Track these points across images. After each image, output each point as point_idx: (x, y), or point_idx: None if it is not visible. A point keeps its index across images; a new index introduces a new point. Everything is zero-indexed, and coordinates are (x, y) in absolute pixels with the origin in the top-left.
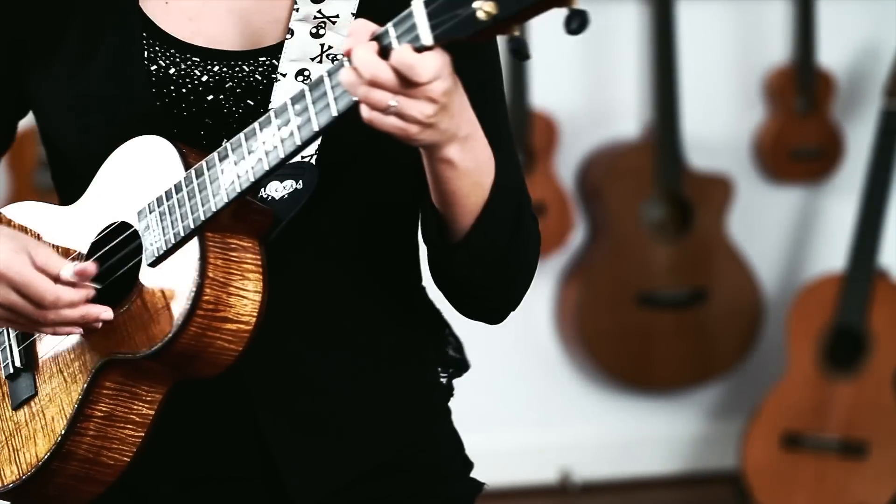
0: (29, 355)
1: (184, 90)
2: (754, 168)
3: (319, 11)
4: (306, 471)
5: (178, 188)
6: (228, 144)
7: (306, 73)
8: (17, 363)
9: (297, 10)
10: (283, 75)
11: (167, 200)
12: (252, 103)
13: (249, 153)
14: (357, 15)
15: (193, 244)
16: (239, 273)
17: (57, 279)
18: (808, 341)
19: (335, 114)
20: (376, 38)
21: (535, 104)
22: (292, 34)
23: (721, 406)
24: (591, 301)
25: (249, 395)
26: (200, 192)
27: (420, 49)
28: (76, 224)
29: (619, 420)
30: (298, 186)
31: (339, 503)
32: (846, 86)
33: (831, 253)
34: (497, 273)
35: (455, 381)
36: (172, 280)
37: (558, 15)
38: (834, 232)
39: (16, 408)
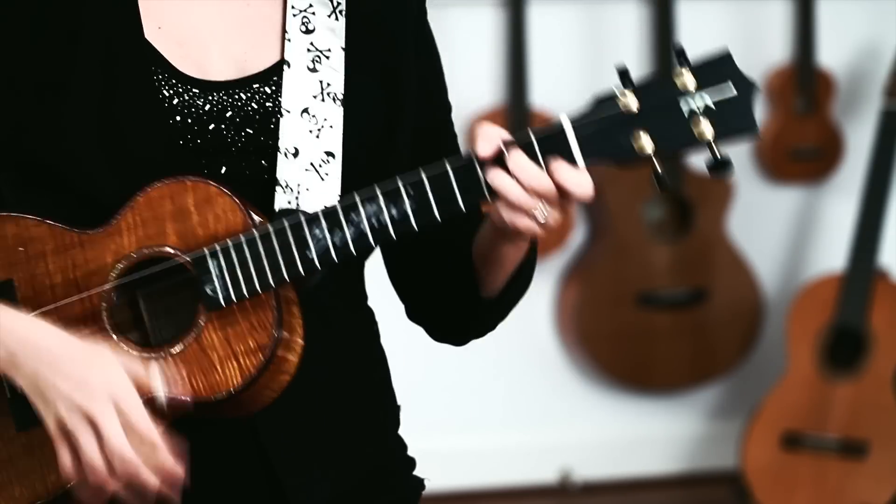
0: None
1: (189, 120)
2: (754, 168)
3: (312, 44)
4: (307, 481)
5: (252, 244)
6: (321, 212)
7: (310, 111)
8: None
9: (290, 40)
10: (288, 111)
11: (238, 253)
12: (252, 132)
13: (348, 224)
14: (346, 50)
15: (265, 297)
16: (294, 327)
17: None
18: (808, 341)
19: (462, 207)
20: (517, 145)
21: (535, 104)
22: (289, 66)
23: (721, 406)
24: (591, 301)
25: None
26: (283, 252)
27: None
28: (92, 254)
29: (619, 420)
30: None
31: None
32: (846, 86)
33: (831, 253)
34: (506, 315)
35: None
36: (239, 330)
37: (557, 14)
38: (834, 232)
39: (22, 429)
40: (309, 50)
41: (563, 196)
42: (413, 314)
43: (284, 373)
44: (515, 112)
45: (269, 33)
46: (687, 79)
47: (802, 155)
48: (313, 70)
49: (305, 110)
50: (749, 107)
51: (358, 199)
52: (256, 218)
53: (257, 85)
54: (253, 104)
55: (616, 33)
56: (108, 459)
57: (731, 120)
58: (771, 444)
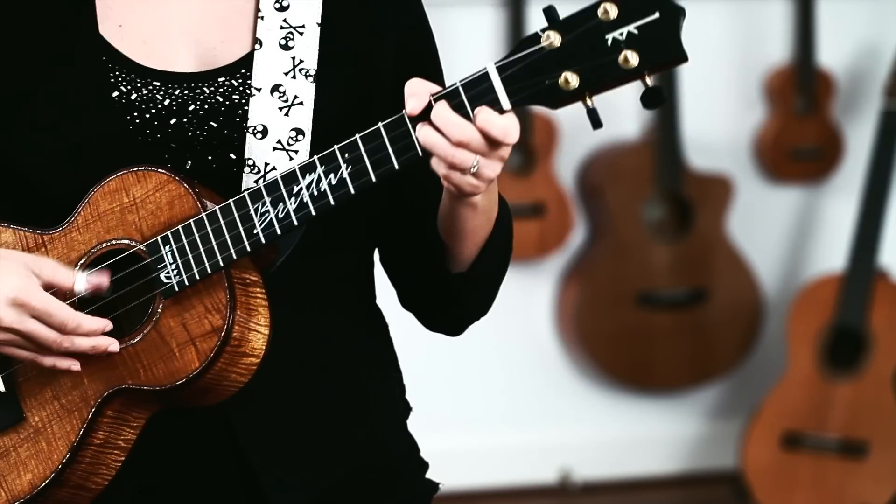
0: (10, 380)
1: (147, 115)
2: (754, 168)
3: (285, 20)
4: (286, 479)
5: (200, 225)
6: (262, 186)
7: (281, 88)
8: (1, 387)
9: (262, 18)
10: (258, 90)
11: (187, 236)
12: (215, 125)
13: (290, 196)
14: (321, 25)
15: (218, 280)
16: (255, 308)
17: (70, 292)
18: (808, 341)
19: (396, 167)
20: (444, 97)
21: None
22: (261, 44)
23: (721, 406)
24: (591, 301)
25: (223, 405)
26: (230, 230)
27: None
28: (56, 253)
29: (619, 420)
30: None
31: None
32: (846, 86)
33: (831, 253)
34: (488, 296)
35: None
36: (195, 314)
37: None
38: (834, 232)
39: None
40: (282, 27)
41: (490, 143)
42: (403, 299)
43: (248, 355)
44: (515, 111)
45: (241, 26)
46: (609, 9)
47: (802, 155)
48: (286, 47)
49: (276, 87)
50: (675, 32)
51: (297, 169)
52: (209, 203)
53: (223, 78)
54: (218, 97)
55: None
56: (41, 347)
57: (657, 47)
58: (771, 444)
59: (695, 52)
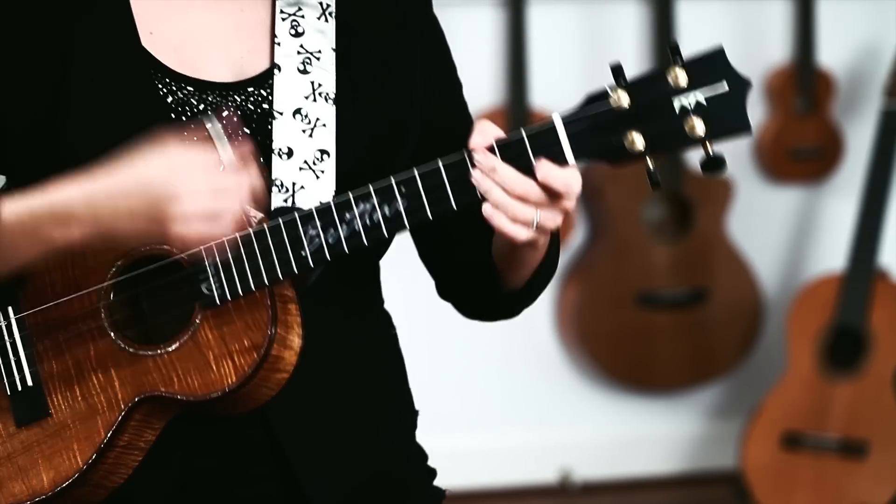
0: (37, 375)
1: (184, 118)
2: (754, 168)
3: (301, 46)
4: (323, 476)
5: (246, 240)
6: (314, 209)
7: (302, 111)
8: (29, 381)
9: (279, 44)
10: (280, 113)
11: (234, 250)
12: (248, 132)
13: (341, 222)
14: (336, 51)
15: (260, 297)
16: (290, 325)
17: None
18: (808, 341)
19: (454, 208)
20: (508, 143)
21: (535, 104)
22: (280, 70)
23: (721, 406)
24: (591, 301)
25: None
26: (278, 251)
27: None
28: (94, 250)
29: (618, 420)
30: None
31: None
32: (846, 86)
33: (831, 253)
34: (531, 302)
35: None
36: (235, 328)
37: (557, 14)
38: (834, 232)
39: (22, 425)
40: (299, 52)
41: (552, 196)
42: (442, 293)
43: (281, 371)
44: (515, 112)
45: (264, 38)
46: (679, 75)
47: (802, 155)
48: (304, 72)
49: (297, 111)
50: (742, 104)
51: (351, 197)
52: (254, 214)
53: (252, 88)
54: (249, 105)
55: (616, 33)
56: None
57: (724, 118)
58: (771, 444)
59: (694, 52)
